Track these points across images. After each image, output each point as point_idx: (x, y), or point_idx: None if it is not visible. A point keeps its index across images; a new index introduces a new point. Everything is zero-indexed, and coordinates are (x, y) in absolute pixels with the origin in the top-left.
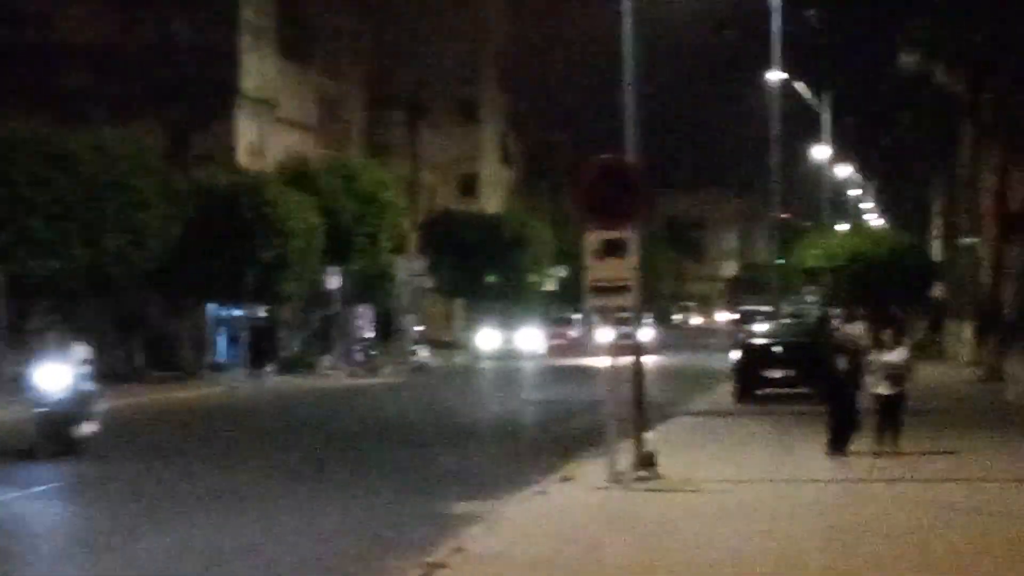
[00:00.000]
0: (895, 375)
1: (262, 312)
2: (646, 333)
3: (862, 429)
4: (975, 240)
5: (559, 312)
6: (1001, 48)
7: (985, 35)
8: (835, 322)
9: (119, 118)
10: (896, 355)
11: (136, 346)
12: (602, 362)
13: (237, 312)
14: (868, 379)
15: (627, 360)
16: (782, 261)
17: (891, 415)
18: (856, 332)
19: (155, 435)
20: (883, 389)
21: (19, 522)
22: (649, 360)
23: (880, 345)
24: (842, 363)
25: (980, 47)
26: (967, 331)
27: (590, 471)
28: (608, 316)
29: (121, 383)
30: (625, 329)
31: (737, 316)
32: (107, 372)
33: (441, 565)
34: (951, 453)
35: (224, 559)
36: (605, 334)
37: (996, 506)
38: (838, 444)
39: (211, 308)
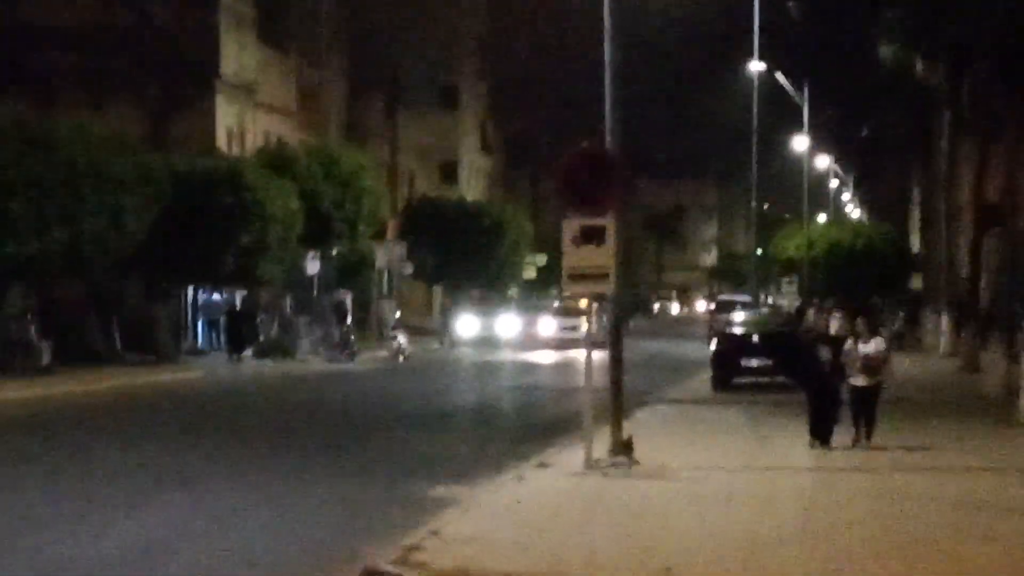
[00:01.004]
0: (871, 366)
1: (240, 297)
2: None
3: (840, 420)
4: (953, 232)
5: (538, 300)
6: (979, 40)
7: (963, 27)
8: (811, 312)
9: (97, 101)
10: (872, 346)
11: (114, 329)
12: (544, 356)
13: (216, 296)
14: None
15: (575, 353)
16: (761, 252)
17: (866, 406)
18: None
19: (129, 418)
20: (859, 380)
21: None
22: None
23: (856, 336)
24: (825, 354)
25: (958, 39)
26: (945, 322)
27: (567, 457)
28: (551, 308)
29: (99, 366)
30: (570, 321)
31: (715, 305)
32: (85, 355)
33: (417, 548)
34: (927, 448)
35: (191, 541)
36: (547, 326)
37: (971, 496)
38: (821, 435)
39: (190, 292)
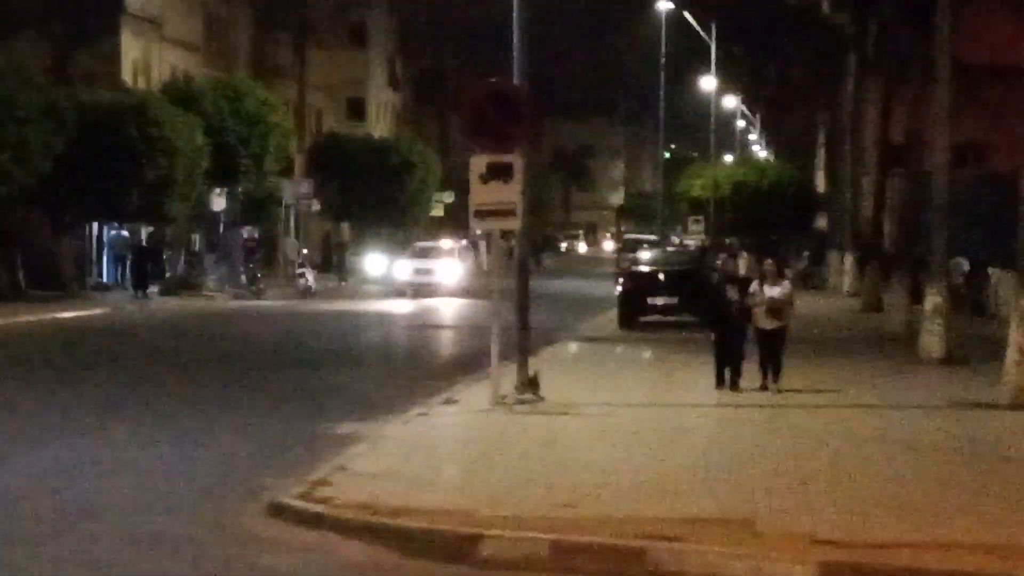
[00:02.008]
0: (777, 309)
1: (146, 232)
2: (448, 268)
3: (746, 362)
4: (858, 172)
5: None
6: None
7: None
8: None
9: (1, 35)
10: (779, 288)
11: (17, 264)
12: (386, 305)
13: (121, 232)
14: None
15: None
16: (668, 191)
17: (772, 350)
18: (741, 264)
19: (31, 354)
20: (765, 323)
21: None
22: (446, 304)
23: (763, 277)
24: (733, 294)
25: None
26: (848, 262)
27: (474, 394)
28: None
29: (1, 301)
30: (425, 264)
31: (622, 244)
32: None
33: (324, 482)
34: (833, 390)
35: (92, 474)
36: (401, 269)
37: (871, 431)
38: (730, 379)
39: (95, 228)
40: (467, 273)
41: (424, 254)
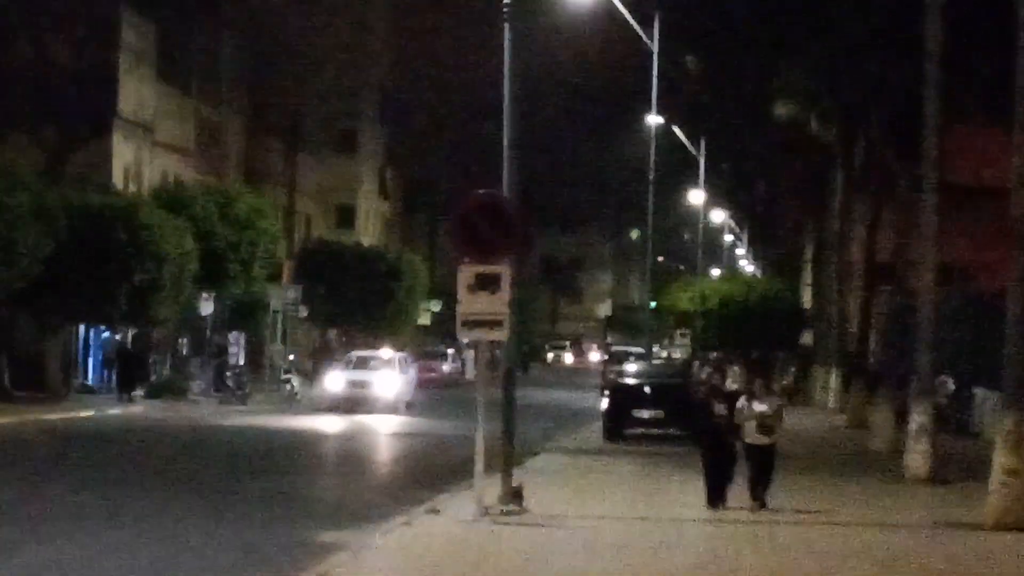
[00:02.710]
0: (767, 424)
1: (132, 335)
2: (387, 380)
3: (734, 479)
4: (844, 289)
5: (432, 346)
6: (872, 100)
7: (857, 87)
8: (702, 368)
9: None
10: (768, 403)
11: (3, 365)
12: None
13: (107, 335)
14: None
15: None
16: (654, 305)
17: (762, 465)
18: (730, 378)
19: (12, 456)
20: (755, 438)
21: None
22: (388, 423)
23: (751, 393)
24: (720, 409)
25: (852, 99)
26: (834, 378)
27: (457, 504)
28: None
29: None
30: (361, 376)
31: (608, 356)
32: None
33: None
34: (819, 511)
35: None
36: (334, 381)
37: (854, 550)
38: (718, 495)
39: (82, 330)
40: (407, 387)
41: (361, 364)
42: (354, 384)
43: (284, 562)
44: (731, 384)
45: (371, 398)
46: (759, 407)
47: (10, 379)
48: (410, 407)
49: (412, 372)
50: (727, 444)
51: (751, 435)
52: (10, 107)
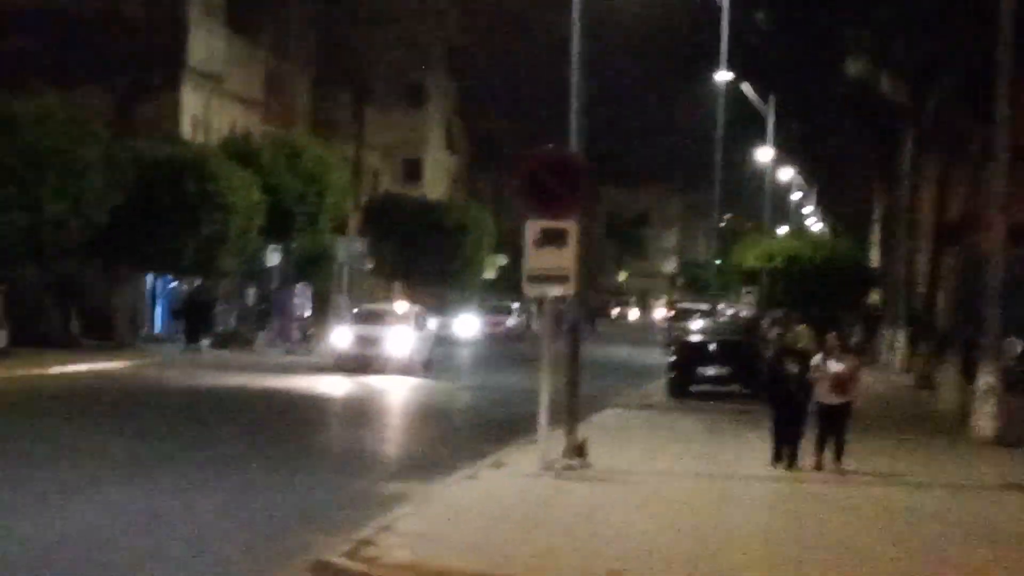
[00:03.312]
0: (842, 384)
1: (200, 286)
2: (400, 337)
3: (801, 440)
4: (913, 249)
5: (498, 300)
6: (944, 59)
7: (928, 45)
8: (767, 323)
9: (63, 85)
10: (843, 363)
11: (72, 315)
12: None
13: (174, 285)
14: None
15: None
16: (721, 261)
17: (835, 426)
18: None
19: (79, 404)
20: (828, 398)
21: None
22: (402, 383)
23: (827, 351)
24: (793, 368)
25: (923, 57)
26: (901, 338)
27: (521, 458)
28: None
29: (56, 351)
30: (371, 332)
31: (673, 313)
32: (43, 340)
33: (369, 542)
34: (885, 467)
35: (137, 530)
36: (341, 337)
37: (925, 510)
38: (789, 454)
39: (149, 280)
40: (423, 344)
41: (370, 319)
42: (363, 341)
43: (347, 514)
44: (802, 342)
45: (382, 357)
46: (835, 366)
47: (79, 329)
48: (428, 368)
49: (431, 328)
50: (798, 404)
51: (824, 395)
52: (81, 58)
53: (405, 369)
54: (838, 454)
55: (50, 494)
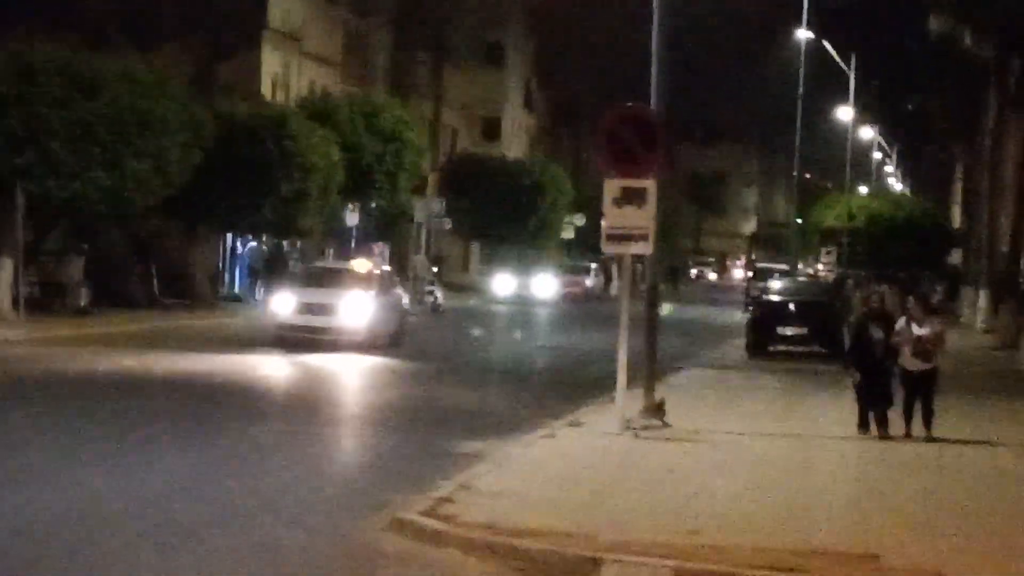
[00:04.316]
0: (926, 349)
1: (277, 245)
2: (355, 306)
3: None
4: (996, 209)
5: (577, 260)
6: None
7: (1014, 2)
8: (856, 288)
9: (144, 45)
10: (928, 326)
11: (152, 273)
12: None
13: (253, 244)
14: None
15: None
16: (800, 220)
17: (922, 393)
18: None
19: (170, 356)
20: (913, 364)
21: None
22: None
23: (910, 315)
24: (878, 333)
25: (1009, 14)
26: (983, 299)
27: (599, 418)
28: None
29: (135, 309)
30: (321, 298)
31: (752, 273)
32: (124, 298)
33: (447, 500)
34: (969, 433)
35: (218, 482)
36: (283, 303)
37: (1006, 471)
38: (880, 421)
39: (228, 239)
40: (388, 314)
41: (320, 281)
42: (309, 309)
43: (426, 471)
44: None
45: (331, 329)
46: (918, 330)
47: (159, 287)
48: (397, 342)
49: (399, 293)
50: (884, 370)
51: (909, 360)
52: (161, 18)
53: (362, 345)
54: (926, 422)
55: (133, 448)
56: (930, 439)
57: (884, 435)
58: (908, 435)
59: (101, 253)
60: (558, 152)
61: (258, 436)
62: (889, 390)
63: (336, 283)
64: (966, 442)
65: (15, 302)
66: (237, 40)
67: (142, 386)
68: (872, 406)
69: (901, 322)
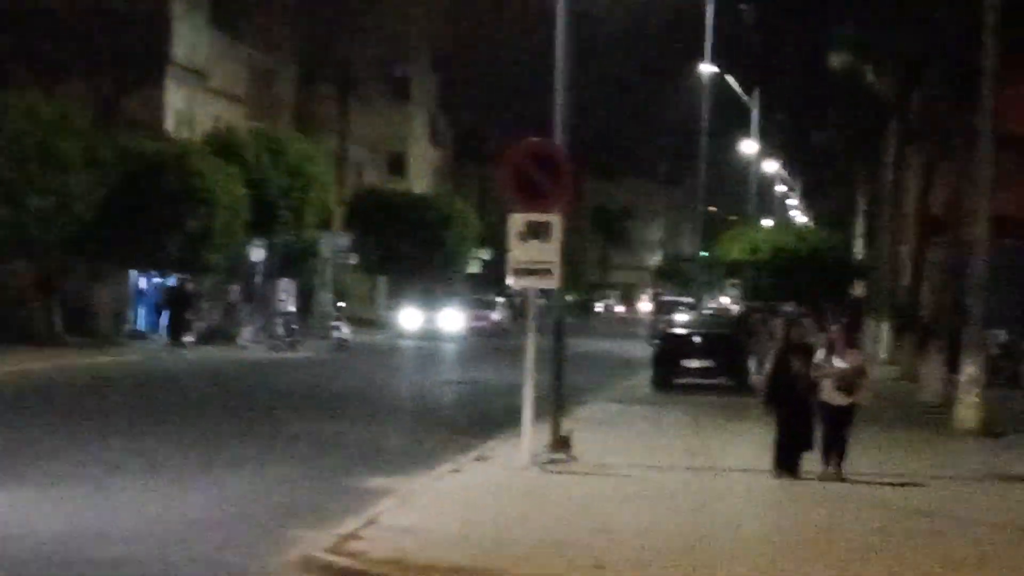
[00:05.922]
0: (848, 383)
1: (183, 282)
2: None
3: (813, 446)
4: (897, 241)
5: (482, 295)
6: (929, 51)
7: (914, 37)
8: (765, 320)
9: (46, 80)
10: (850, 359)
11: (56, 310)
12: None
13: (157, 281)
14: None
15: None
16: (706, 254)
17: (840, 429)
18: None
19: (60, 399)
20: (834, 398)
21: None
22: None
23: (830, 347)
24: (796, 365)
25: (909, 49)
26: (885, 330)
27: (506, 452)
28: None
29: (38, 346)
30: None
31: (657, 306)
32: (25, 335)
33: (355, 536)
34: (870, 464)
35: (124, 520)
36: None
37: (909, 504)
38: (789, 462)
39: (132, 276)
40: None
41: None
42: None
43: (332, 507)
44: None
45: None
46: (839, 363)
47: (62, 324)
48: None
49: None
50: (804, 405)
51: (828, 393)
52: (63, 53)
53: None
54: (840, 456)
55: (37, 487)
56: (839, 477)
57: (794, 475)
58: (825, 477)
59: (2, 289)
60: (464, 186)
61: (161, 474)
62: (811, 430)
63: None
64: (875, 476)
65: None
66: (141, 76)
67: None
68: (793, 446)
69: (820, 354)
